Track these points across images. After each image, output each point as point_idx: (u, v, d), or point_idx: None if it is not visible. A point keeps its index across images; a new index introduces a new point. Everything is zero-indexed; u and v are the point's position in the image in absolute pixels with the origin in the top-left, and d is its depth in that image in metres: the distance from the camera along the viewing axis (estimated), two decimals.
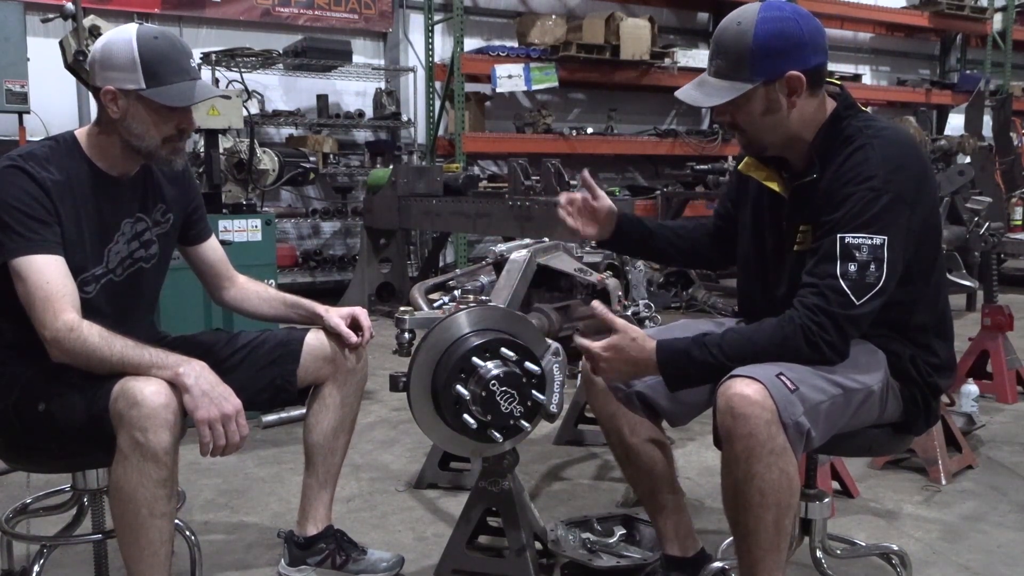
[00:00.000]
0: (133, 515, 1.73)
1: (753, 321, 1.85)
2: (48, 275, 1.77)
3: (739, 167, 2.03)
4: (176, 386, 1.73)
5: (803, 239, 1.84)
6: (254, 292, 2.30)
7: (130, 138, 1.89)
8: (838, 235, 1.70)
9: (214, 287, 2.29)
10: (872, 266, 1.68)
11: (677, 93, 1.91)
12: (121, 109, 1.87)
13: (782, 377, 1.63)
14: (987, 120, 7.96)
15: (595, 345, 1.83)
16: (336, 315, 2.22)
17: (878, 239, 1.68)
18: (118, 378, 1.73)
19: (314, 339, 2.18)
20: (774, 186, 1.91)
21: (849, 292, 1.68)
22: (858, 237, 1.68)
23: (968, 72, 10.89)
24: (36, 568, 1.91)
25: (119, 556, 2.05)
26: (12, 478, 3.05)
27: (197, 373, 1.75)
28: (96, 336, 1.75)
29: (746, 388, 1.61)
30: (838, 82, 1.89)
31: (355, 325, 2.22)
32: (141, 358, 1.76)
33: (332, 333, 2.19)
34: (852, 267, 1.68)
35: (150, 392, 1.69)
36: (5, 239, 1.77)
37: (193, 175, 2.22)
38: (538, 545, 2.27)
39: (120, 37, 1.86)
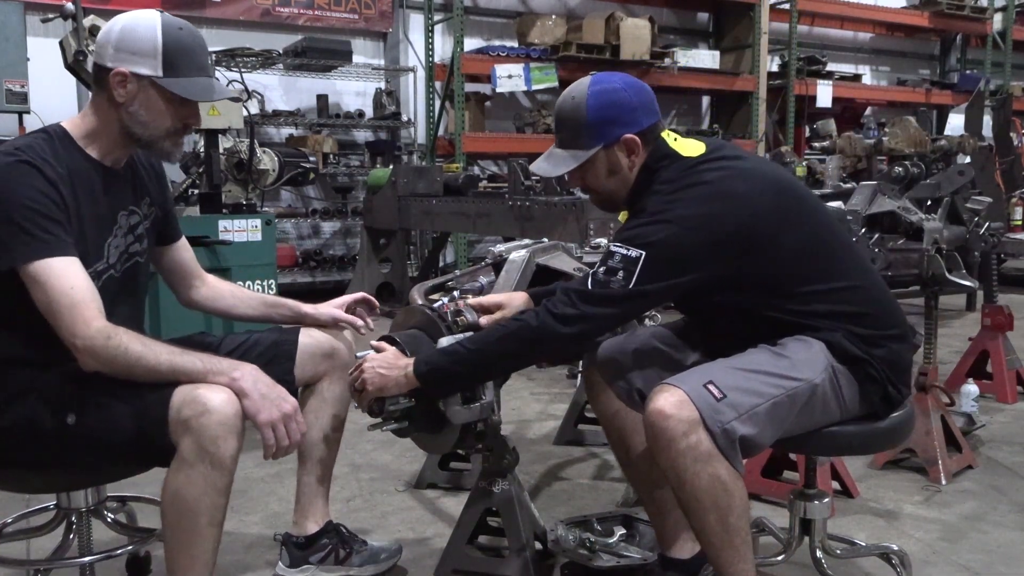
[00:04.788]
0: (191, 523, 1.69)
1: (714, 340, 2.02)
2: (71, 279, 1.68)
3: (619, 218, 2.16)
4: (234, 391, 1.70)
5: None
6: (228, 291, 2.25)
7: (132, 124, 1.82)
8: (608, 245, 1.85)
9: (184, 287, 2.21)
10: (620, 274, 1.78)
11: (531, 167, 2.10)
12: (129, 93, 1.79)
13: (709, 386, 1.69)
14: (987, 120, 7.96)
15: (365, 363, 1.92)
16: (329, 308, 2.21)
17: (635, 253, 1.77)
18: (166, 386, 1.68)
19: (307, 337, 2.16)
20: None
21: (589, 282, 1.81)
22: (618, 247, 1.81)
23: (968, 72, 10.90)
24: None
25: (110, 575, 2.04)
26: None
27: (254, 376, 1.72)
28: (138, 343, 1.69)
29: (663, 400, 1.68)
30: (673, 136, 1.97)
31: (350, 310, 2.23)
32: (193, 365, 1.70)
33: (328, 327, 2.19)
34: (601, 269, 1.81)
35: (220, 400, 1.66)
36: (18, 242, 1.67)
37: (165, 172, 2.15)
38: (538, 545, 2.27)
39: (143, 21, 1.79)
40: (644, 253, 1.76)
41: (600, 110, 1.91)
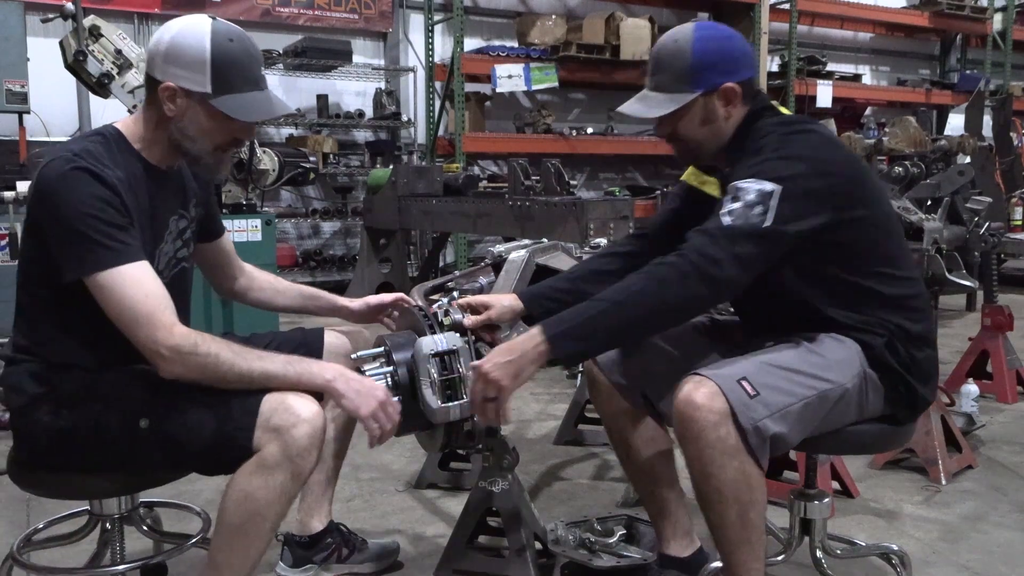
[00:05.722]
0: (257, 527, 1.67)
1: (749, 321, 1.94)
2: (145, 287, 1.64)
3: (682, 177, 2.11)
4: (327, 393, 1.72)
5: None
6: (267, 282, 2.23)
7: (181, 139, 1.78)
8: (729, 185, 1.75)
9: (225, 279, 2.19)
10: (759, 208, 1.69)
11: (621, 108, 2.01)
12: (179, 108, 1.74)
13: (743, 382, 1.66)
14: (987, 120, 7.96)
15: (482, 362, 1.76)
16: (365, 301, 2.18)
17: (769, 186, 1.69)
18: (252, 392, 1.67)
19: (333, 337, 2.14)
20: (712, 190, 1.99)
21: (727, 221, 1.70)
22: (746, 183, 1.71)
23: (968, 72, 10.89)
24: None
25: None
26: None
27: (345, 376, 1.73)
28: (227, 350, 1.67)
29: (695, 392, 1.65)
30: (764, 93, 1.96)
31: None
32: (285, 371, 1.69)
33: (364, 321, 2.19)
34: (737, 205, 1.70)
35: (312, 413, 1.66)
36: (84, 252, 1.62)
37: None
38: (538, 545, 2.27)
39: (193, 33, 1.72)
40: (779, 187, 1.69)
41: (705, 55, 1.85)
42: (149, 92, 1.78)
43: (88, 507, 1.92)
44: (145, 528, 2.01)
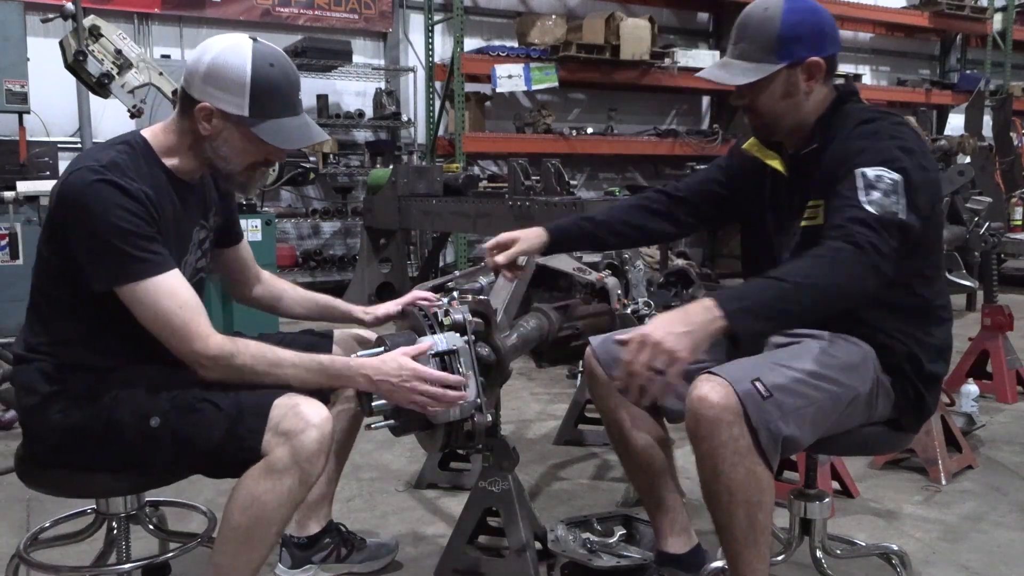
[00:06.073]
0: (264, 530, 1.68)
1: None
2: (180, 297, 1.67)
3: (744, 146, 2.07)
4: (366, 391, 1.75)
5: (813, 214, 1.86)
6: (284, 289, 2.23)
7: (214, 158, 1.79)
8: (856, 171, 1.70)
9: (244, 285, 2.20)
10: (893, 196, 1.67)
11: (702, 73, 2.00)
12: (214, 129, 1.75)
13: (756, 383, 1.65)
14: (987, 120, 7.96)
15: (633, 331, 1.64)
16: (380, 310, 2.17)
17: (896, 175, 1.68)
18: (268, 395, 1.69)
19: (340, 339, 2.14)
20: (776, 164, 1.96)
21: (875, 211, 1.65)
22: (876, 170, 1.69)
23: (968, 72, 10.88)
24: None
25: None
26: (12, 478, 3.05)
27: (383, 371, 1.73)
28: (263, 362, 1.70)
29: (709, 391, 1.64)
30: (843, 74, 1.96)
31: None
32: (317, 380, 1.74)
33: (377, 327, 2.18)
34: (876, 193, 1.67)
35: (322, 419, 1.68)
36: (116, 264, 1.64)
37: None
38: (538, 545, 2.27)
39: (234, 57, 1.72)
40: (901, 178, 1.68)
41: (794, 27, 1.82)
42: (184, 108, 1.78)
43: (94, 506, 1.93)
44: (151, 527, 2.01)
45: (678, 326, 1.57)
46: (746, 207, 2.07)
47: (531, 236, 2.11)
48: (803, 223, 1.88)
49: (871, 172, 1.69)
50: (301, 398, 1.70)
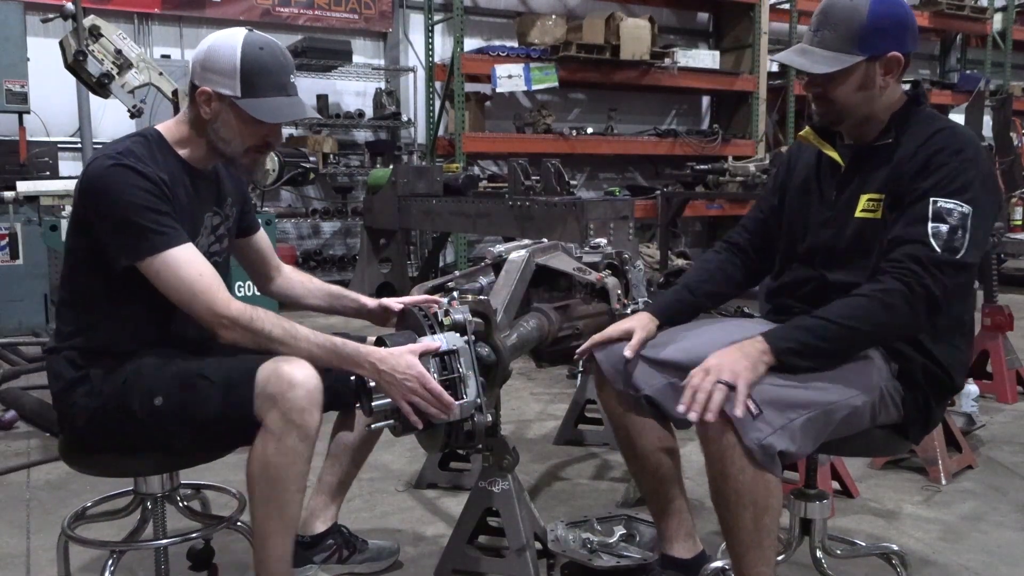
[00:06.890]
0: (281, 492, 1.77)
1: (787, 283, 1.96)
2: (197, 266, 1.78)
3: (800, 134, 2.07)
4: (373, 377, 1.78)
5: (874, 207, 1.86)
6: (299, 281, 2.30)
7: (217, 141, 1.90)
8: (930, 199, 1.72)
9: (263, 276, 2.28)
10: (959, 232, 1.69)
11: (777, 56, 1.99)
12: (213, 111, 1.87)
13: (748, 402, 1.64)
14: (987, 120, 7.96)
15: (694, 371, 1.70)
16: (389, 303, 2.19)
17: (966, 208, 1.70)
18: (253, 363, 1.76)
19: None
20: (834, 154, 1.96)
21: (938, 248, 1.70)
22: (949, 202, 1.71)
23: (968, 72, 10.89)
24: (107, 573, 1.91)
25: (180, 560, 2.12)
26: (12, 478, 3.06)
27: (390, 364, 1.76)
28: (280, 325, 1.78)
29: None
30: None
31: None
32: (329, 359, 1.79)
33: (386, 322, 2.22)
34: (943, 227, 1.70)
35: (304, 375, 1.73)
36: (136, 239, 1.75)
37: None
38: (538, 545, 2.27)
39: (226, 42, 1.86)
40: (971, 211, 1.69)
41: (880, 19, 1.80)
42: (191, 98, 1.91)
43: (132, 487, 2.02)
44: (182, 507, 2.09)
45: (734, 354, 1.69)
46: (793, 200, 2.06)
47: (644, 322, 2.04)
48: (860, 214, 1.88)
49: (943, 204, 1.71)
50: (282, 360, 1.76)
